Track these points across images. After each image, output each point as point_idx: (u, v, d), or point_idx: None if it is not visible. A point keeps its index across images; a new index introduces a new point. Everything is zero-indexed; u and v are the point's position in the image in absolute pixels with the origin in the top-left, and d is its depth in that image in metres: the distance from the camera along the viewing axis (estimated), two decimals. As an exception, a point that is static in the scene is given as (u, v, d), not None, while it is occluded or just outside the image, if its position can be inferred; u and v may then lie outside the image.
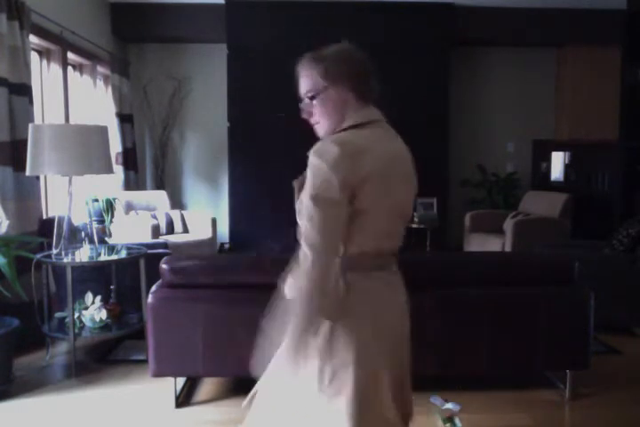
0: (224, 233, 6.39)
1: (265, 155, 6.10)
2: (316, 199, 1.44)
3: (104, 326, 3.43)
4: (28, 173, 3.29)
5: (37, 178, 3.96)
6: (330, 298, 1.49)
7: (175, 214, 5.60)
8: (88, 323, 3.40)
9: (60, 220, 3.42)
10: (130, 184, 6.04)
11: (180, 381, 2.96)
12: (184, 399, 2.91)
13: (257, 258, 2.91)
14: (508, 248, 5.35)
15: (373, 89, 1.61)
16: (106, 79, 5.97)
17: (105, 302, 3.51)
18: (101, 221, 5.14)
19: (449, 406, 2.65)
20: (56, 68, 4.79)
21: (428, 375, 2.86)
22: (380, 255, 1.60)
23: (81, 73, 5.53)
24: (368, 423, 1.54)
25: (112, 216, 5.21)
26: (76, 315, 3.37)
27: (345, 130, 1.55)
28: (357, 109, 1.58)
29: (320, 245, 1.45)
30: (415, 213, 5.81)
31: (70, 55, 4.96)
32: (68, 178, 3.41)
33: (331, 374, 1.53)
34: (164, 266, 2.75)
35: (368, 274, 1.57)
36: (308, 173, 1.47)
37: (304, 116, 1.63)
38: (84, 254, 3.39)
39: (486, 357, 2.81)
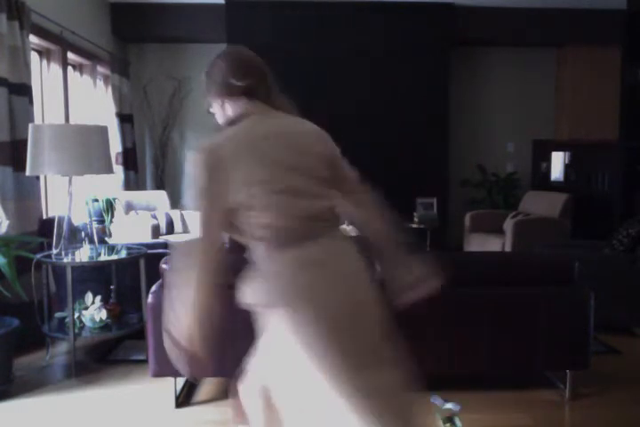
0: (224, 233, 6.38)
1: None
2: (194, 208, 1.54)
3: (104, 326, 3.43)
4: (28, 173, 3.29)
5: (37, 178, 3.96)
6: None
7: (175, 214, 5.60)
8: (88, 323, 3.40)
9: (60, 220, 3.42)
10: (130, 184, 6.04)
11: (180, 381, 2.96)
12: (184, 399, 2.91)
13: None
14: (508, 248, 5.35)
15: (248, 83, 1.65)
16: (106, 79, 5.97)
17: (105, 302, 3.51)
18: (101, 221, 5.14)
19: (449, 406, 2.65)
20: (56, 68, 4.79)
21: (428, 375, 2.87)
22: (293, 229, 1.54)
23: (81, 73, 5.53)
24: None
25: (112, 216, 5.21)
26: (76, 315, 3.37)
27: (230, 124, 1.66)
28: (233, 109, 1.67)
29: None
30: (415, 213, 5.82)
31: (70, 55, 4.96)
32: (68, 178, 3.41)
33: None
34: (164, 266, 2.75)
35: (280, 255, 1.55)
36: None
37: None
38: (84, 254, 3.39)
39: (486, 357, 2.81)
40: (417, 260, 1.74)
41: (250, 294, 1.65)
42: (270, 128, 1.62)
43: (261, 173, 1.52)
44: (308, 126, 1.70)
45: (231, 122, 1.66)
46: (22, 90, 3.81)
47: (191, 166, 1.52)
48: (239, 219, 1.57)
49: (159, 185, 6.58)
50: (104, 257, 3.42)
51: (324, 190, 1.62)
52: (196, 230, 1.56)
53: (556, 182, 6.77)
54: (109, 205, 5.23)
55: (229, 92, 1.66)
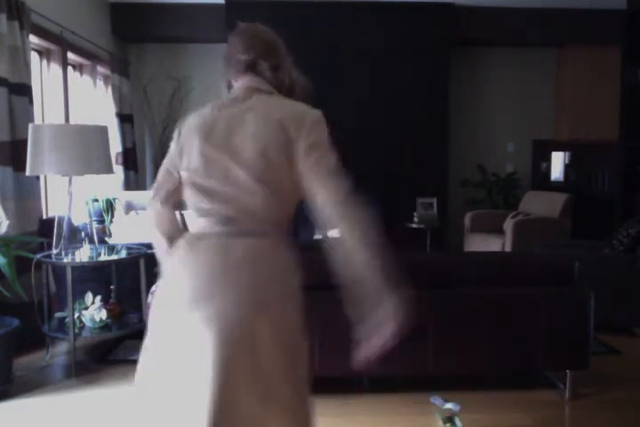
0: (224, 233, 6.39)
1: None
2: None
3: (104, 326, 3.43)
4: (28, 173, 3.29)
5: (37, 178, 3.96)
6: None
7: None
8: (88, 323, 3.40)
9: (60, 220, 3.42)
10: (130, 184, 6.04)
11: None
12: (184, 399, 2.90)
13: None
14: (508, 248, 5.35)
15: (234, 62, 1.63)
16: (106, 79, 5.97)
17: (105, 302, 3.51)
18: (101, 221, 5.14)
19: (449, 406, 2.65)
20: (56, 68, 4.79)
21: (428, 375, 2.87)
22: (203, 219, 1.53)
23: (81, 73, 5.53)
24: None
25: (112, 216, 5.21)
26: (76, 315, 3.37)
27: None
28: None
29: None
30: (415, 213, 5.82)
31: (70, 55, 4.96)
32: (68, 178, 3.41)
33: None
34: (164, 266, 2.75)
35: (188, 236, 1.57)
36: None
37: None
38: (84, 254, 3.39)
39: (486, 357, 2.81)
40: (392, 299, 1.38)
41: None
42: (227, 111, 1.56)
43: (192, 159, 1.56)
44: (276, 113, 1.51)
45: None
46: (22, 90, 3.81)
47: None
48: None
49: (159, 185, 6.57)
50: (104, 257, 3.42)
51: (254, 187, 1.46)
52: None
53: (556, 182, 6.78)
54: (109, 205, 5.23)
55: (235, 68, 1.63)
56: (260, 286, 1.42)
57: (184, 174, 1.58)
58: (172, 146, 1.67)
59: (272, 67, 1.61)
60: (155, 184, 1.70)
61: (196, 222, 1.55)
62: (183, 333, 1.41)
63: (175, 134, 1.67)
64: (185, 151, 1.59)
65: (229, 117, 1.53)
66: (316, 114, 1.53)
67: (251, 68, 1.61)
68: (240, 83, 1.62)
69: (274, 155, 1.46)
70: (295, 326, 1.47)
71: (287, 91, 1.64)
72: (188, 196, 1.58)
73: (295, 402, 1.42)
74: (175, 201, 1.68)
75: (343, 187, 1.46)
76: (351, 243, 1.40)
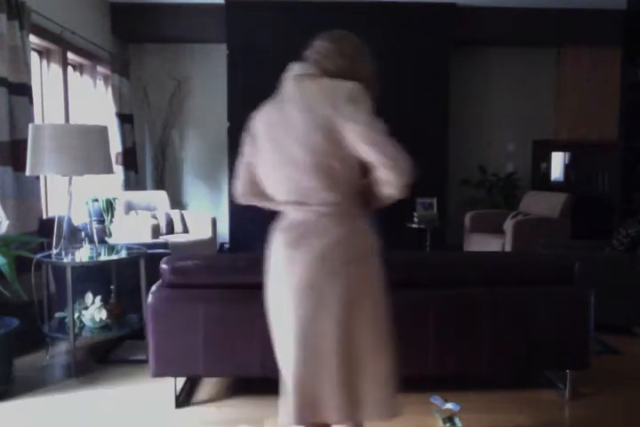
0: (224, 233, 6.39)
1: (265, 155, 6.09)
2: None
3: (104, 326, 3.42)
4: (27, 173, 3.29)
5: (37, 178, 3.96)
6: None
7: (175, 214, 5.60)
8: (88, 323, 3.40)
9: (60, 220, 3.42)
10: (130, 184, 6.04)
11: (180, 381, 2.96)
12: (184, 399, 2.91)
13: (257, 258, 2.90)
14: (508, 248, 5.35)
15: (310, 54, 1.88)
16: (106, 79, 5.97)
17: (105, 302, 3.51)
18: (101, 221, 5.14)
19: (449, 406, 2.65)
20: (56, 68, 4.79)
21: (429, 375, 2.87)
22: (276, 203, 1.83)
23: (81, 73, 5.53)
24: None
25: (112, 216, 5.21)
26: (76, 315, 3.37)
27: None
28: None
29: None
30: (415, 213, 5.82)
31: (70, 55, 4.97)
32: (67, 178, 3.41)
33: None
34: (164, 266, 2.75)
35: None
36: None
37: None
38: (83, 254, 3.39)
39: (486, 356, 2.81)
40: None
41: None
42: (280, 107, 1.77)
43: (264, 156, 1.79)
44: (317, 90, 1.72)
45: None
46: (22, 90, 3.82)
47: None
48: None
49: (159, 185, 6.58)
50: (104, 257, 3.42)
51: (312, 176, 1.68)
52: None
53: (556, 182, 6.78)
54: (109, 205, 5.23)
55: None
56: (328, 257, 1.69)
57: (261, 169, 1.82)
58: (246, 145, 1.85)
59: (321, 57, 1.82)
60: (238, 181, 1.90)
61: (279, 208, 1.81)
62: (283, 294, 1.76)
63: (247, 134, 1.84)
64: (258, 149, 1.80)
65: (280, 111, 1.74)
66: (351, 87, 1.67)
67: (303, 58, 1.86)
68: (289, 72, 1.82)
69: (323, 142, 1.64)
70: (365, 283, 1.73)
71: (333, 74, 1.78)
72: (268, 187, 1.82)
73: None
74: (257, 191, 1.88)
75: (393, 150, 1.61)
76: (392, 190, 1.66)
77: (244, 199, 1.93)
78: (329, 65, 1.78)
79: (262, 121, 1.78)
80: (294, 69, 1.80)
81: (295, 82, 1.75)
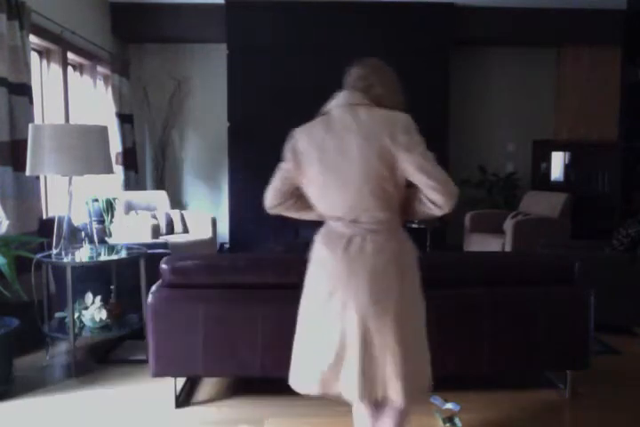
0: (224, 233, 6.39)
1: (265, 155, 6.07)
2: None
3: (104, 326, 3.42)
4: (28, 173, 3.29)
5: (37, 178, 3.96)
6: None
7: (175, 214, 5.60)
8: (88, 323, 3.40)
9: (60, 220, 3.42)
10: (130, 184, 6.04)
11: (180, 381, 2.96)
12: (184, 399, 2.91)
13: (257, 258, 2.90)
14: (508, 248, 5.35)
15: (357, 83, 2.03)
16: (106, 79, 5.97)
17: (105, 302, 3.51)
18: (101, 221, 5.14)
19: (449, 406, 2.65)
20: (56, 68, 4.79)
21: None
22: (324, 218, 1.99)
23: (81, 73, 5.53)
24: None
25: (112, 216, 5.22)
26: (76, 315, 3.37)
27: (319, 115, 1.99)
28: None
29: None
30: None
31: (70, 55, 4.97)
32: (67, 178, 3.41)
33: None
34: (163, 266, 2.75)
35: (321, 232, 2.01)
36: None
37: None
38: (83, 254, 3.39)
39: (486, 356, 2.81)
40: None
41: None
42: (330, 128, 1.90)
43: (314, 175, 1.92)
44: (377, 119, 1.88)
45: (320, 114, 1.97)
46: (22, 90, 3.82)
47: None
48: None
49: (159, 185, 6.58)
50: (104, 257, 3.42)
51: (367, 196, 1.86)
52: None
53: (556, 182, 6.78)
54: (109, 205, 5.23)
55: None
56: (379, 275, 1.87)
57: (307, 187, 1.96)
58: (287, 162, 1.96)
59: (366, 86, 1.98)
60: (271, 192, 2.02)
61: (328, 224, 1.97)
62: (331, 305, 1.90)
63: (289, 151, 1.95)
64: (304, 168, 1.92)
65: (336, 136, 1.86)
66: (405, 118, 1.88)
67: (349, 85, 2.02)
68: (339, 98, 1.95)
69: (380, 168, 1.82)
70: (408, 299, 1.93)
71: (378, 103, 1.95)
72: (317, 203, 1.97)
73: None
74: (291, 204, 2.04)
75: (443, 176, 1.87)
76: (439, 212, 1.91)
77: (273, 210, 2.06)
78: (375, 94, 1.96)
79: (314, 144, 1.90)
80: (343, 98, 1.94)
81: (349, 110, 1.89)
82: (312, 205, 2.01)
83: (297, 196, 2.02)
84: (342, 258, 1.88)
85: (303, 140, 1.92)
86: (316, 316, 1.95)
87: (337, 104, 1.93)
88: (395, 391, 1.87)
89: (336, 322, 1.89)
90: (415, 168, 1.82)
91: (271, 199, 2.03)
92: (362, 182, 1.83)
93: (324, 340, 1.91)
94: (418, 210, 1.94)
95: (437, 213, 1.91)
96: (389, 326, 1.87)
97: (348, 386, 1.88)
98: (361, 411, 2.14)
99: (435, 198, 1.85)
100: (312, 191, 1.96)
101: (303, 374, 1.98)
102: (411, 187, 1.92)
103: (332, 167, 1.86)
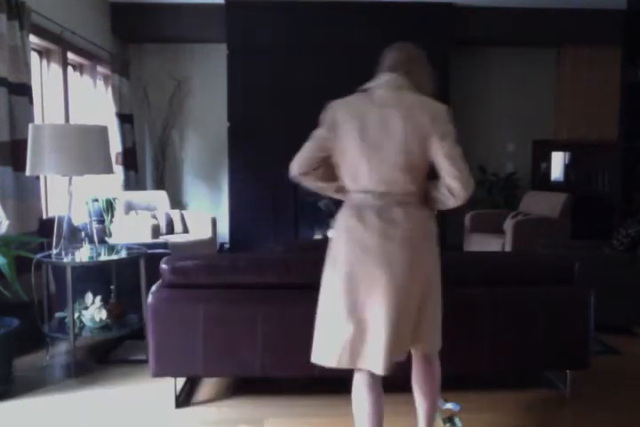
0: (224, 233, 6.39)
1: (265, 155, 6.10)
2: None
3: (104, 326, 3.42)
4: (27, 173, 3.29)
5: (37, 178, 3.96)
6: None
7: (175, 214, 5.60)
8: (88, 323, 3.40)
9: (60, 220, 3.42)
10: (130, 184, 6.04)
11: (180, 381, 2.96)
12: (184, 399, 2.91)
13: (257, 258, 2.90)
14: (508, 248, 5.35)
15: (398, 68, 2.11)
16: (106, 79, 5.97)
17: (105, 302, 3.51)
18: (101, 221, 5.14)
19: (449, 406, 2.65)
20: (56, 68, 4.79)
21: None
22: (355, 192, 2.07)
23: (81, 73, 5.53)
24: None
25: (112, 216, 5.22)
26: (76, 315, 3.37)
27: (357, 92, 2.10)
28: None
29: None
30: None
31: (70, 55, 4.97)
32: (68, 178, 3.41)
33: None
34: (163, 266, 2.75)
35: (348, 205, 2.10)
36: None
37: None
38: (83, 254, 3.39)
39: (486, 356, 2.81)
40: None
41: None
42: (372, 105, 2.01)
43: (350, 145, 2.01)
44: (412, 103, 2.01)
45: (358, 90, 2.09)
46: (22, 90, 3.82)
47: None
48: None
49: (159, 185, 6.58)
50: (104, 257, 3.42)
51: (401, 170, 1.98)
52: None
53: (556, 182, 6.78)
54: (109, 205, 5.23)
55: (379, 71, 2.14)
56: (412, 240, 2.00)
57: (340, 157, 2.04)
58: (323, 130, 2.05)
59: (406, 71, 2.07)
60: (299, 160, 2.08)
61: (354, 196, 2.05)
62: (365, 270, 1.99)
63: (327, 120, 2.04)
64: (341, 137, 2.01)
65: (379, 111, 1.98)
66: (444, 108, 2.02)
67: (391, 69, 2.09)
68: (383, 79, 2.06)
69: (414, 145, 1.97)
70: (433, 262, 2.12)
71: (418, 88, 2.07)
72: (347, 173, 2.05)
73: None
74: (319, 172, 2.11)
75: (465, 167, 1.98)
76: (453, 202, 2.04)
77: (302, 178, 2.12)
78: (414, 80, 2.08)
79: (354, 115, 2.00)
80: (386, 79, 2.06)
81: (392, 90, 2.03)
82: (338, 176, 2.09)
83: (325, 165, 2.10)
84: (374, 226, 1.98)
85: (342, 110, 2.02)
86: (343, 285, 2.00)
87: (379, 84, 2.05)
88: (429, 344, 2.14)
89: (366, 289, 1.97)
90: (443, 154, 1.96)
91: (301, 166, 2.09)
92: (398, 156, 1.97)
93: (351, 308, 1.98)
94: (435, 198, 2.06)
95: (452, 202, 2.03)
96: (422, 290, 2.04)
97: (375, 353, 1.98)
98: (362, 393, 2.12)
99: (453, 186, 1.98)
100: (345, 161, 2.03)
101: (328, 346, 2.04)
102: (430, 179, 2.07)
103: (370, 139, 1.98)
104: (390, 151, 1.97)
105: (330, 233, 2.16)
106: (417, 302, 2.05)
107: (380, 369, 1.97)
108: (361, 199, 2.03)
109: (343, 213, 2.08)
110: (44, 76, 4.77)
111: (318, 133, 2.06)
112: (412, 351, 2.24)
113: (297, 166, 2.10)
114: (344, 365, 2.01)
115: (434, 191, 2.05)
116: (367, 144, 1.98)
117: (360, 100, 2.05)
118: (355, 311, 1.98)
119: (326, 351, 2.04)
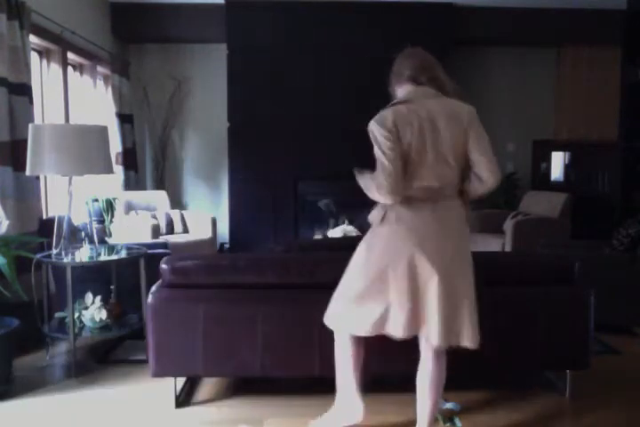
0: (224, 233, 6.39)
1: (265, 155, 6.10)
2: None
3: (104, 326, 3.43)
4: (27, 173, 3.29)
5: (37, 178, 3.96)
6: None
7: (175, 214, 5.60)
8: (88, 323, 3.41)
9: (60, 220, 3.42)
10: (130, 184, 6.05)
11: (180, 381, 2.96)
12: (184, 399, 2.91)
13: (257, 258, 2.90)
14: (508, 248, 5.35)
15: (420, 75, 2.35)
16: (106, 79, 5.97)
17: (105, 302, 3.51)
18: (101, 221, 5.14)
19: (449, 406, 2.66)
20: (56, 68, 4.79)
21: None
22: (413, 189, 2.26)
23: (81, 73, 5.53)
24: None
25: (112, 216, 5.22)
26: (76, 315, 3.37)
27: (393, 105, 2.28)
28: (405, 91, 2.34)
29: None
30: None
31: (70, 55, 4.97)
32: (68, 178, 3.41)
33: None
34: (163, 266, 2.75)
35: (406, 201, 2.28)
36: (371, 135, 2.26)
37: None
38: (83, 254, 3.39)
39: (486, 357, 2.81)
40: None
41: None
42: (419, 111, 2.23)
43: (409, 149, 2.21)
44: (451, 108, 2.29)
45: (396, 102, 2.29)
46: (22, 90, 3.82)
47: (373, 126, 2.24)
48: None
49: (159, 185, 6.58)
50: (104, 257, 3.42)
51: (452, 167, 2.25)
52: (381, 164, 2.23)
53: (556, 182, 6.77)
54: (109, 205, 5.24)
55: (398, 79, 2.39)
56: (456, 229, 2.31)
57: (410, 165, 2.22)
58: (388, 141, 2.19)
59: (429, 77, 2.33)
60: (392, 179, 2.19)
61: (410, 193, 2.23)
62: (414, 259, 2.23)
63: (386, 130, 2.20)
64: (403, 142, 2.19)
65: (426, 117, 2.21)
66: (473, 108, 2.38)
67: (411, 80, 2.35)
68: (418, 92, 2.29)
69: (459, 145, 2.25)
70: (468, 241, 2.41)
71: (446, 92, 2.33)
72: (411, 176, 2.22)
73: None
74: (402, 185, 2.25)
75: (496, 161, 2.29)
76: (484, 189, 2.32)
77: (397, 197, 2.23)
78: (440, 85, 2.33)
79: (407, 122, 2.20)
80: (422, 91, 2.29)
81: (431, 98, 2.27)
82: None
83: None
84: (429, 216, 2.23)
85: (396, 119, 2.21)
86: (383, 266, 2.24)
87: (416, 95, 2.27)
88: (467, 339, 2.30)
89: (410, 273, 2.21)
90: (481, 152, 2.26)
91: (396, 186, 2.20)
92: (448, 155, 2.23)
93: (390, 286, 2.22)
94: (467, 188, 2.33)
95: (480, 189, 2.30)
96: (466, 277, 2.30)
97: (430, 330, 2.23)
98: (347, 342, 2.42)
99: (484, 175, 2.25)
100: (408, 165, 2.22)
101: (360, 317, 2.28)
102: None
103: (427, 142, 2.20)
104: (443, 151, 2.22)
105: (374, 223, 2.33)
106: (464, 289, 2.30)
107: (436, 340, 2.24)
108: (415, 194, 2.23)
109: (397, 206, 2.25)
110: (44, 76, 4.76)
111: (387, 146, 2.18)
112: (423, 348, 2.36)
113: (395, 187, 2.20)
114: (374, 332, 2.27)
115: (466, 182, 2.32)
116: (423, 147, 2.20)
117: (406, 107, 2.24)
118: (413, 292, 2.21)
119: (358, 321, 2.29)
